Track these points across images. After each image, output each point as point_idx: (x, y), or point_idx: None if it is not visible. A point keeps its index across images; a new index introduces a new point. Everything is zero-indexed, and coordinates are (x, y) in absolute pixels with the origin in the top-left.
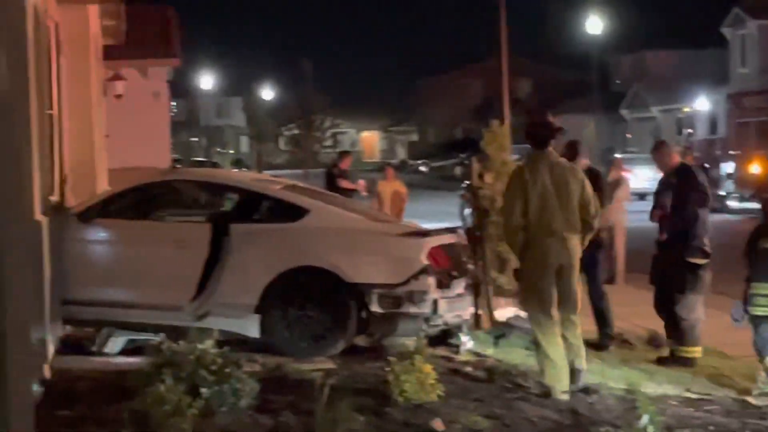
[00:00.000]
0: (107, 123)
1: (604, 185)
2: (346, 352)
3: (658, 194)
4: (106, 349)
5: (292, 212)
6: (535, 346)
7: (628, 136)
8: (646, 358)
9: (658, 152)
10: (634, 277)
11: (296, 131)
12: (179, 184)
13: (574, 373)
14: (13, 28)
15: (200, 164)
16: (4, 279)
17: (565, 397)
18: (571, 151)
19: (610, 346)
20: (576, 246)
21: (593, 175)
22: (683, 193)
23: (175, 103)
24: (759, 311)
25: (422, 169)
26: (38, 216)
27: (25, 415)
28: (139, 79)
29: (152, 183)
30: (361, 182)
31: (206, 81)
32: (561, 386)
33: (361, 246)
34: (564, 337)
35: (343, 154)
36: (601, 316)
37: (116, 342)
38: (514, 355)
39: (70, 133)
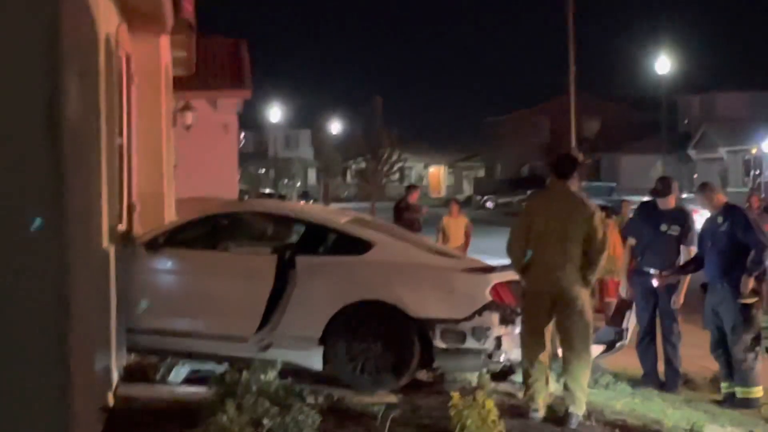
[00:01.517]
0: (176, 153)
1: (691, 224)
2: (409, 386)
3: (702, 236)
4: (170, 378)
5: (358, 245)
6: (520, 365)
7: (695, 176)
8: (710, 399)
9: (702, 193)
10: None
11: (363, 165)
12: (247, 216)
13: (567, 415)
14: (85, 59)
15: (268, 196)
16: (72, 305)
17: (536, 415)
18: (665, 185)
19: (677, 387)
20: (572, 279)
21: (682, 213)
22: (738, 234)
23: (243, 134)
24: None
25: (488, 205)
26: (106, 244)
27: None
28: (210, 110)
29: (220, 213)
30: (424, 209)
31: (275, 113)
32: (533, 405)
33: (425, 280)
34: (564, 383)
35: (411, 188)
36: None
37: (180, 371)
38: None
39: (140, 162)
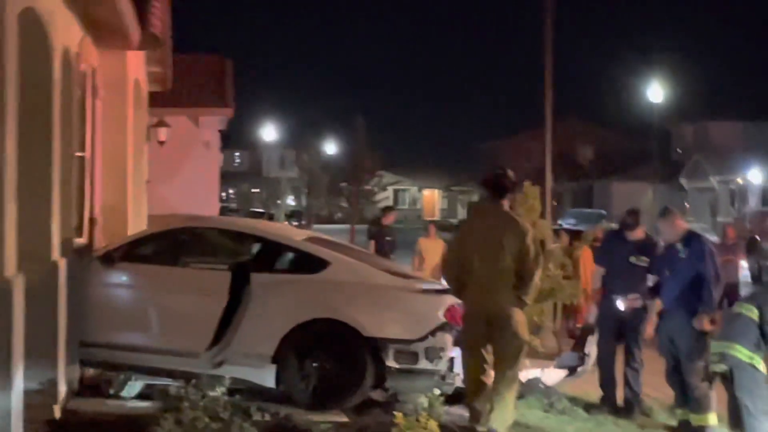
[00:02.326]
0: (153, 169)
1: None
2: (362, 406)
3: (660, 263)
4: (124, 393)
5: (313, 264)
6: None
7: (687, 205)
8: (665, 426)
9: (664, 219)
10: None
11: (345, 186)
12: (202, 231)
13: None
14: (38, 72)
15: (258, 215)
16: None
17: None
18: (633, 218)
19: (633, 412)
20: (506, 299)
21: (651, 244)
22: (695, 263)
23: (238, 154)
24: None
25: None
26: (55, 257)
27: None
28: (191, 127)
29: (174, 229)
30: (391, 216)
31: (269, 132)
32: (478, 427)
33: (379, 300)
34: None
35: (386, 209)
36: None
37: (134, 386)
38: (530, 415)
39: (104, 176)
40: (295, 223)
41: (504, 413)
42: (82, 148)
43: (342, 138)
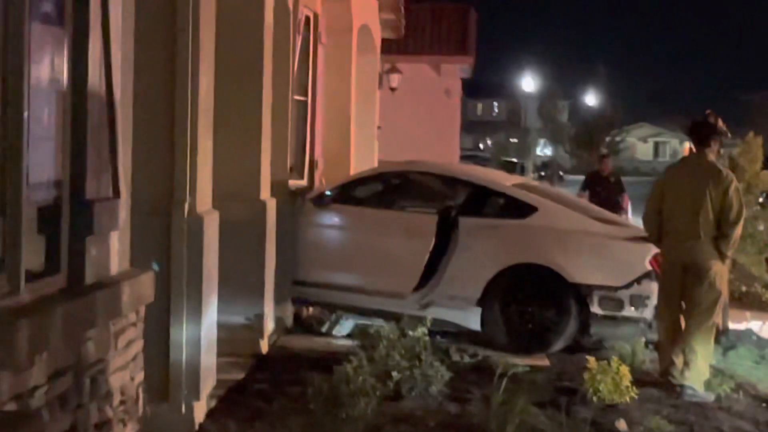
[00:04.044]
0: (389, 116)
1: None
2: (568, 351)
3: None
4: (334, 332)
5: (521, 209)
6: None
7: None
8: None
9: None
10: None
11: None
12: (413, 175)
13: (681, 387)
14: (249, 16)
15: (510, 165)
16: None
17: (710, 397)
18: None
19: None
20: (705, 251)
21: None
22: None
23: (496, 104)
24: None
25: None
26: (264, 196)
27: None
28: (433, 75)
29: (387, 173)
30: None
31: (528, 83)
32: (671, 373)
33: (585, 247)
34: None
35: (602, 157)
36: None
37: (344, 325)
38: (738, 366)
39: (325, 121)
40: (542, 174)
41: (697, 370)
42: (304, 93)
43: (595, 89)
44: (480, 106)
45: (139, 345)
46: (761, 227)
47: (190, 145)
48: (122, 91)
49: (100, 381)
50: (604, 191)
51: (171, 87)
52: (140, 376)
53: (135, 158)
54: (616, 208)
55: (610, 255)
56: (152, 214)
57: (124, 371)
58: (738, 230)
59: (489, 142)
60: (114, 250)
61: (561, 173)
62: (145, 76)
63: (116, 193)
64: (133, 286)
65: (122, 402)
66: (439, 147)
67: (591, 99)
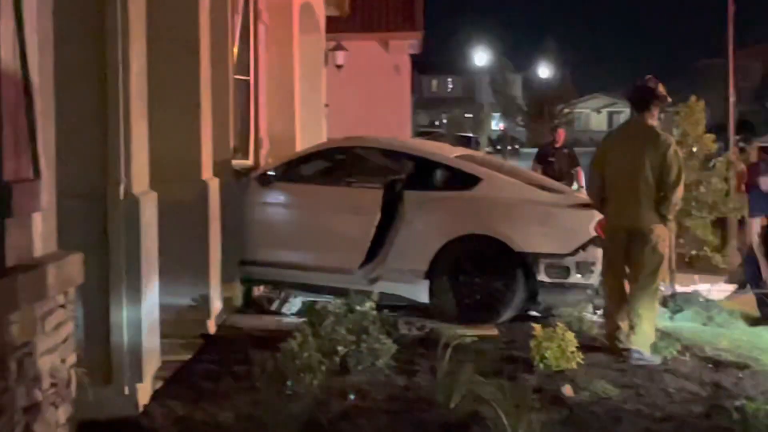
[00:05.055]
0: (337, 93)
1: None
2: (517, 320)
3: None
4: (284, 310)
5: (465, 181)
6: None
7: None
8: None
9: None
10: None
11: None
12: (358, 151)
13: (627, 350)
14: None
15: (465, 139)
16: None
17: (657, 360)
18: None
19: None
20: (647, 215)
21: None
22: None
23: (451, 79)
24: None
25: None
26: (206, 177)
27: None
28: (381, 51)
29: (331, 149)
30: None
31: (480, 57)
32: (615, 337)
33: (530, 215)
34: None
35: (555, 128)
36: None
37: (293, 303)
38: (686, 328)
39: (269, 99)
40: (496, 148)
41: (643, 333)
42: (246, 72)
43: (547, 61)
44: (435, 82)
45: (69, 327)
46: (703, 189)
47: (123, 127)
48: (42, 72)
49: (27, 364)
50: (558, 163)
51: (102, 68)
52: (72, 358)
53: (67, 141)
54: (570, 179)
55: (555, 223)
56: (88, 197)
57: (54, 354)
58: (678, 193)
59: (444, 118)
60: (37, 232)
61: (517, 146)
62: (73, 57)
63: (37, 174)
64: (60, 268)
65: (53, 385)
66: (390, 123)
67: (544, 71)
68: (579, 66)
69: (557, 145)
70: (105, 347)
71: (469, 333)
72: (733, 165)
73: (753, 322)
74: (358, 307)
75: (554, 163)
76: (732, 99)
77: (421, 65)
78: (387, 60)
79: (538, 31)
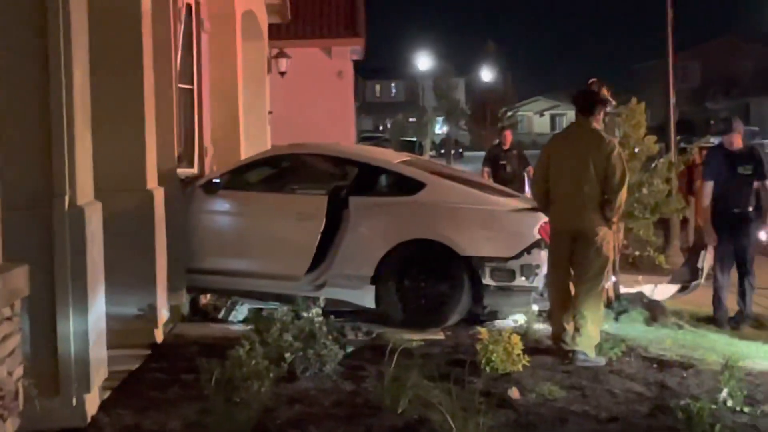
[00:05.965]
0: (281, 100)
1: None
2: (463, 324)
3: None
4: (231, 318)
5: (409, 186)
6: None
7: None
8: None
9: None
10: None
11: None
12: (302, 158)
13: (573, 352)
14: (124, 4)
15: (409, 144)
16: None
17: (602, 361)
18: (726, 125)
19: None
20: (591, 217)
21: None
22: None
23: (394, 84)
24: None
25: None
26: (150, 186)
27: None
28: (324, 57)
29: (275, 156)
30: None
31: (424, 62)
32: (562, 339)
33: (474, 219)
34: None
35: (502, 130)
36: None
37: (240, 311)
38: (630, 329)
39: (213, 108)
40: (440, 152)
41: (588, 335)
42: (189, 81)
43: (488, 65)
44: (378, 87)
45: (16, 339)
46: (645, 191)
47: (67, 138)
48: None
49: None
50: (509, 164)
51: (44, 79)
52: (19, 371)
53: (10, 152)
54: (523, 181)
55: (499, 226)
56: (32, 209)
57: (1, 366)
58: (622, 196)
59: (388, 123)
60: None
61: (461, 150)
62: (14, 69)
63: None
64: (6, 281)
65: (0, 397)
66: (334, 129)
67: (486, 75)
68: (520, 69)
69: (506, 148)
70: (52, 359)
71: (415, 337)
72: (675, 166)
73: (698, 321)
74: (304, 314)
75: (505, 166)
76: (672, 100)
77: (365, 70)
78: (330, 66)
79: (479, 35)
